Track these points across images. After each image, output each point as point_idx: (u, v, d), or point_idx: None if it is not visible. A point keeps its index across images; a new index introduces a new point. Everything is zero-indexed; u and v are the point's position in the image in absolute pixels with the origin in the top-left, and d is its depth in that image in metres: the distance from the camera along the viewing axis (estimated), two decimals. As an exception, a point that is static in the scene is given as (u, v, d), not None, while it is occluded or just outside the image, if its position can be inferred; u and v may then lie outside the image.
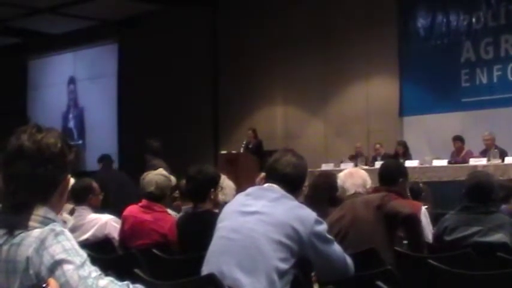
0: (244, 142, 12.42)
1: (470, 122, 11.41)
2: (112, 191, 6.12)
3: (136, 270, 2.70)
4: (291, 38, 13.57)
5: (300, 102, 13.76)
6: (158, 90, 15.46)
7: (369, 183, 4.15)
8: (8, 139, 1.79)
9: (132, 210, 4.54)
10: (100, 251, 3.88)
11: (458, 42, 11.80)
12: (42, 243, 1.69)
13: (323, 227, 2.77)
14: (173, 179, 4.90)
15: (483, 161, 9.33)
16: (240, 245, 2.69)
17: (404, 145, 11.33)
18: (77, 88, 17.96)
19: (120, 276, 1.81)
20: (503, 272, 3.00)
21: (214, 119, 15.06)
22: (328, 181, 4.59)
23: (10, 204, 1.76)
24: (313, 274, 3.01)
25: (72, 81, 18.00)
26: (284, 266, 2.64)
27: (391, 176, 4.26)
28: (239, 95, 14.34)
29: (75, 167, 2.38)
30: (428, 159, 10.08)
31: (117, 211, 4.74)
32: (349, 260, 2.86)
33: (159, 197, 4.54)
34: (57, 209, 1.83)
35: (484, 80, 11.56)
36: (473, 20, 11.64)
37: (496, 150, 9.61)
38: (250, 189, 2.95)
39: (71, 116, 18.02)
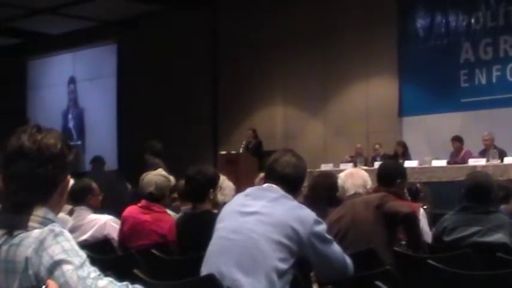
0: (243, 142, 12.42)
1: (469, 122, 11.41)
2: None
3: (136, 271, 2.71)
4: (291, 38, 13.57)
5: (299, 103, 13.77)
6: (158, 90, 15.47)
7: (370, 183, 4.15)
8: (7, 139, 1.80)
9: (131, 210, 4.54)
10: (99, 252, 3.87)
11: (458, 43, 11.81)
12: (41, 243, 1.69)
13: (322, 227, 2.77)
14: (172, 179, 4.90)
15: (482, 162, 9.33)
16: (240, 245, 2.69)
17: (403, 145, 11.33)
18: (77, 88, 17.96)
19: (120, 276, 1.81)
20: (503, 272, 3.00)
21: (213, 119, 15.07)
22: (327, 181, 4.58)
23: (10, 204, 1.76)
24: (312, 274, 3.02)
25: (72, 81, 18.00)
26: (283, 266, 2.64)
27: (389, 176, 4.25)
28: (239, 95, 14.34)
29: (75, 168, 2.39)
30: (427, 160, 10.08)
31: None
32: (348, 260, 2.86)
33: (159, 197, 4.54)
34: (57, 210, 1.83)
35: (483, 81, 11.57)
36: (473, 20, 11.65)
37: (495, 150, 9.61)
38: (249, 190, 2.95)
39: (70, 116, 18.02)
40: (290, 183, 2.87)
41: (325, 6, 13.25)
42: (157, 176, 4.64)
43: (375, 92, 12.74)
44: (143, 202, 4.51)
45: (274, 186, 2.86)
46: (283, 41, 13.64)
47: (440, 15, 12.05)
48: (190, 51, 14.99)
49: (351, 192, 4.04)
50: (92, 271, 1.70)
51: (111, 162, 15.43)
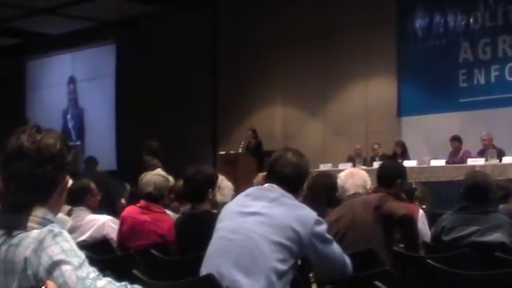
0: (242, 142, 12.42)
1: (468, 122, 11.42)
2: None
3: (135, 271, 2.71)
4: (291, 38, 13.57)
5: (299, 103, 13.77)
6: (157, 90, 15.46)
7: (369, 183, 4.14)
8: (7, 139, 1.80)
9: (130, 211, 4.54)
10: (98, 252, 3.87)
11: (456, 43, 11.81)
12: (40, 244, 1.69)
13: (323, 228, 2.77)
14: (171, 179, 4.90)
15: (481, 161, 9.33)
16: (239, 245, 2.69)
17: (402, 145, 11.34)
18: (76, 88, 17.95)
19: (119, 277, 1.81)
20: (501, 272, 3.00)
21: (213, 119, 15.06)
22: (327, 181, 4.57)
23: (9, 204, 1.76)
24: (311, 275, 3.02)
25: (72, 80, 17.99)
26: (283, 267, 2.64)
27: (389, 177, 4.24)
28: (238, 95, 14.34)
29: (74, 168, 2.39)
30: (426, 160, 10.08)
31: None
32: (348, 260, 2.86)
33: (158, 197, 4.54)
34: (56, 210, 1.83)
35: (482, 81, 11.58)
36: (471, 20, 11.66)
37: (493, 150, 9.62)
38: (250, 190, 2.95)
39: (69, 116, 18.01)
40: (290, 183, 2.86)
41: (325, 6, 13.25)
42: (156, 176, 4.64)
43: (374, 92, 12.75)
44: (142, 202, 4.51)
45: (274, 186, 2.85)
46: (283, 41, 13.65)
47: (439, 15, 12.06)
48: (190, 51, 14.98)
49: (351, 192, 4.04)
50: (91, 271, 1.70)
51: (110, 163, 15.46)
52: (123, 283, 1.75)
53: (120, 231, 4.48)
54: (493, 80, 11.48)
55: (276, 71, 13.83)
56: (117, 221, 4.57)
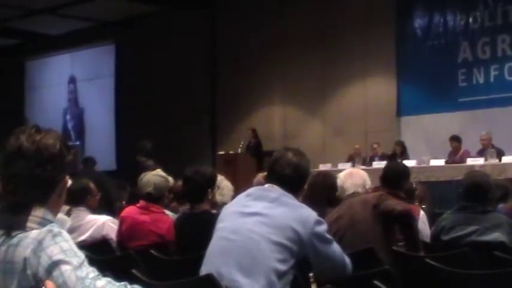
0: (242, 142, 12.42)
1: (467, 121, 11.42)
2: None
3: (134, 271, 2.71)
4: (290, 39, 13.58)
5: (298, 103, 13.77)
6: (156, 90, 15.46)
7: (369, 183, 4.15)
8: (6, 140, 1.80)
9: (130, 211, 4.54)
10: (98, 252, 3.87)
11: (456, 42, 11.82)
12: (39, 244, 1.69)
13: (323, 228, 2.77)
14: (171, 179, 4.90)
15: (480, 161, 9.34)
16: (239, 246, 2.69)
17: (402, 145, 11.34)
18: (76, 88, 17.95)
19: (118, 277, 1.81)
20: (500, 271, 3.01)
21: (212, 119, 15.07)
22: (326, 181, 4.57)
23: (8, 204, 1.76)
24: (311, 275, 3.02)
25: (72, 80, 17.98)
26: (283, 267, 2.64)
27: (394, 178, 4.29)
28: (238, 95, 14.34)
29: (74, 168, 2.39)
30: (425, 159, 10.09)
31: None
32: (348, 260, 2.86)
33: (157, 197, 4.53)
34: (55, 210, 1.83)
35: (481, 80, 11.58)
36: (470, 20, 11.66)
37: (493, 150, 9.62)
38: (250, 190, 2.95)
39: (69, 116, 18.01)
40: (291, 183, 2.86)
41: (324, 6, 13.26)
42: (155, 176, 4.63)
43: (374, 92, 12.75)
44: (142, 202, 4.51)
45: (275, 186, 2.85)
46: (282, 41, 13.65)
47: (438, 15, 12.06)
48: (189, 52, 14.99)
49: (350, 191, 4.05)
50: (91, 271, 1.71)
51: (109, 163, 15.46)
52: (123, 283, 1.75)
53: (120, 232, 4.48)
54: (492, 79, 11.48)
55: (275, 71, 13.83)
56: (116, 221, 4.57)
